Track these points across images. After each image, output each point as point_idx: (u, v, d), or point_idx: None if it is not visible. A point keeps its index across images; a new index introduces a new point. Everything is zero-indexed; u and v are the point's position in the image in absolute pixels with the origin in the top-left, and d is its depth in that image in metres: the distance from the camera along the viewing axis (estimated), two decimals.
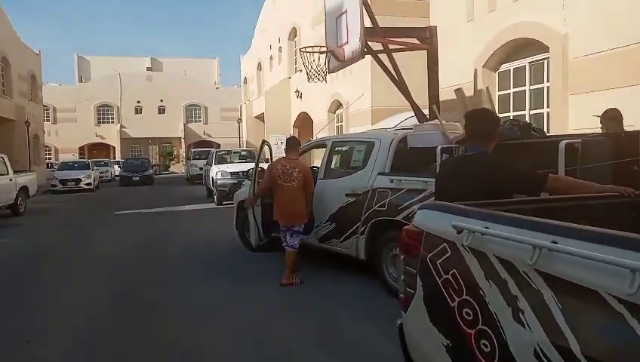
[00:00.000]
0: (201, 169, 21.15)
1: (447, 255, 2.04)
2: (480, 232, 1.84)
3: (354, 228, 5.51)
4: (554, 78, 7.42)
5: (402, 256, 2.45)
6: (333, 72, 8.63)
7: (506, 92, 8.83)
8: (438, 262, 2.09)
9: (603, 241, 1.45)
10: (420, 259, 2.23)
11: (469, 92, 8.47)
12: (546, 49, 7.54)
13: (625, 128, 5.15)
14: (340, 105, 17.32)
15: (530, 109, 8.30)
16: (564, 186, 2.89)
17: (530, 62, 8.23)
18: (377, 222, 5.26)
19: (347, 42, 7.81)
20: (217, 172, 14.74)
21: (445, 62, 8.80)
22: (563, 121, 7.13)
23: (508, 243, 1.69)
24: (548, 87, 7.75)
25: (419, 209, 2.43)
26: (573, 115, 7.07)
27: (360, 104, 14.86)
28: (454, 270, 1.98)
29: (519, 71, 8.53)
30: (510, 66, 8.69)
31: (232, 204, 7.99)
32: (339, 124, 17.55)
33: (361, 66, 13.28)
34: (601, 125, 5.33)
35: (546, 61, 7.79)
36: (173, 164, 46.76)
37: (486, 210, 2.01)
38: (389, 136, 5.68)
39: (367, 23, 7.65)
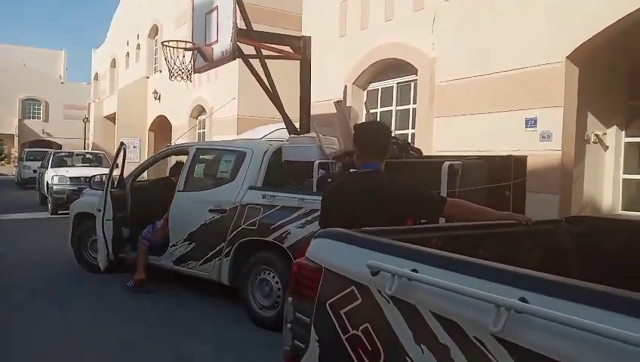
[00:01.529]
0: (35, 172, 18.38)
1: (357, 303, 1.55)
2: (408, 277, 1.38)
3: (217, 249, 4.84)
4: (421, 100, 7.59)
5: (290, 298, 1.91)
6: (199, 72, 7.87)
7: (373, 111, 8.88)
8: (342, 312, 1.59)
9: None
10: (316, 304, 1.72)
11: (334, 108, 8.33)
12: (415, 71, 7.69)
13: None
14: (203, 110, 16.36)
15: (396, 129, 8.42)
16: (462, 212, 2.62)
17: (397, 83, 8.37)
18: (245, 243, 4.67)
19: (217, 41, 7.14)
20: (54, 176, 12.77)
21: (318, 76, 8.60)
22: (428, 143, 7.28)
23: (454, 296, 1.25)
24: (414, 108, 7.91)
25: (315, 237, 1.91)
26: (437, 137, 7.25)
27: (225, 111, 14.13)
28: (367, 324, 1.50)
29: (387, 91, 8.64)
30: (378, 86, 8.78)
31: (69, 214, 6.72)
32: (201, 131, 16.55)
33: (229, 71, 12.63)
34: None
35: (413, 83, 7.96)
36: (2, 164, 40.65)
37: (416, 247, 1.56)
38: (262, 146, 5.14)
39: (241, 25, 7.09)
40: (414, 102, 7.91)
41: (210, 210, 4.91)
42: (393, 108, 8.52)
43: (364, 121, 6.18)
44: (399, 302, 1.40)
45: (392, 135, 4.92)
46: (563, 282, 1.18)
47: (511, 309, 1.12)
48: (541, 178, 5.47)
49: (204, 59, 7.47)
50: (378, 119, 8.76)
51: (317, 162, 4.60)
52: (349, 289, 1.58)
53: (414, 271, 1.38)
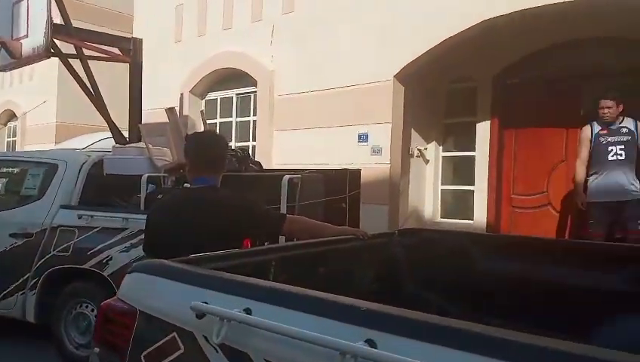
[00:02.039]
0: None
1: (179, 353, 1.28)
2: (239, 320, 1.15)
3: (21, 280, 4.06)
4: (260, 112, 7.49)
5: (96, 348, 1.54)
6: (3, 70, 6.74)
7: (212, 121, 8.53)
8: None
9: None
10: (128, 355, 1.40)
11: (164, 117, 7.84)
12: (254, 82, 7.57)
13: None
14: (13, 115, 14.20)
15: (236, 141, 8.19)
16: (301, 228, 2.49)
17: (237, 94, 8.17)
18: (57, 272, 3.99)
19: (27, 35, 6.19)
20: None
21: (152, 82, 7.96)
22: (268, 156, 7.20)
23: (294, 341, 1.05)
24: (254, 120, 7.78)
25: (129, 272, 1.58)
26: (277, 151, 7.20)
27: (41, 117, 12.47)
28: None
29: (226, 101, 8.38)
30: (217, 95, 8.47)
31: None
32: (11, 140, 14.35)
33: (47, 71, 11.19)
34: None
35: (252, 95, 7.83)
36: None
37: (251, 281, 1.34)
38: (78, 158, 4.48)
39: (58, 19, 6.25)
40: (254, 114, 7.78)
41: (10, 235, 4.11)
42: (233, 119, 8.28)
43: (197, 131, 5.79)
44: (230, 351, 1.16)
45: (231, 147, 4.68)
46: (415, 319, 1.06)
47: (357, 356, 0.97)
48: (373, 190, 5.72)
49: (10, 56, 6.41)
50: (217, 130, 8.45)
51: (145, 176, 4.15)
52: (169, 337, 1.30)
53: (248, 311, 1.17)
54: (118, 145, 5.07)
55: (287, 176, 3.63)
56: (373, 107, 6.18)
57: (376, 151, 6.20)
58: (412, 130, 6.53)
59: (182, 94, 8.39)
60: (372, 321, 1.06)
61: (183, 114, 8.50)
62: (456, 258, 2.62)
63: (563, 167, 5.95)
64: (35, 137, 12.57)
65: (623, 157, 4.50)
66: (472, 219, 6.43)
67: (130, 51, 6.89)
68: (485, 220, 6.28)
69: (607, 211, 4.56)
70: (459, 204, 6.83)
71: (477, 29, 5.44)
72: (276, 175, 3.86)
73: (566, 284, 2.25)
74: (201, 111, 6.95)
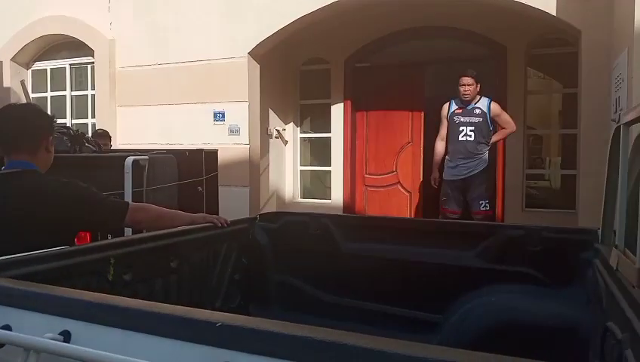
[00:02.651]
0: None
1: None
2: (52, 350, 0.85)
3: None
4: (100, 85, 6.67)
5: None
6: None
7: (42, 95, 7.42)
8: None
9: None
10: None
11: None
12: (92, 52, 6.70)
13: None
14: None
15: (72, 118, 7.23)
16: (149, 218, 2.16)
17: (71, 65, 7.18)
18: None
19: None
20: None
21: None
22: (112, 135, 6.45)
23: None
24: (93, 94, 6.91)
25: None
26: (122, 129, 6.50)
27: None
28: None
29: (59, 72, 7.32)
30: (47, 65, 7.36)
31: None
32: None
33: None
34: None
35: (90, 66, 6.94)
36: None
37: (71, 293, 1.02)
38: None
39: None
40: (93, 88, 6.91)
41: None
42: (68, 93, 7.28)
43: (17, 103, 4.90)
44: None
45: (58, 123, 4.02)
46: (279, 333, 0.85)
47: None
48: (232, 171, 5.46)
49: None
50: (49, 105, 7.37)
51: None
52: None
53: (66, 335, 0.86)
54: None
55: (131, 158, 3.20)
56: (228, 84, 5.87)
57: (234, 130, 5.92)
58: (269, 110, 6.36)
59: (1, 62, 7.12)
60: (230, 340, 0.84)
61: (5, 85, 7.28)
62: (320, 241, 2.52)
63: (409, 148, 6.31)
64: None
65: (471, 138, 4.64)
66: (330, 199, 6.53)
67: None
68: (342, 199, 6.41)
69: (455, 188, 4.74)
70: (317, 184, 6.89)
71: (328, 10, 5.42)
72: (118, 156, 3.39)
73: (426, 263, 2.27)
74: (22, 81, 5.96)
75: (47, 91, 7.38)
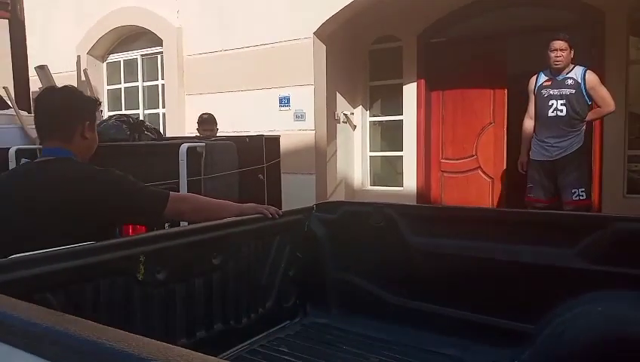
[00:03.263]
0: None
1: None
2: None
3: None
4: (169, 75, 6.71)
5: None
6: None
7: (116, 87, 7.63)
8: None
9: None
10: None
11: (71, 82, 6.86)
12: (160, 42, 6.74)
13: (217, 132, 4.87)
14: None
15: (144, 108, 7.37)
16: (193, 208, 1.94)
17: (142, 55, 7.29)
18: None
19: None
20: None
21: (42, 42, 6.93)
22: (180, 123, 6.49)
23: None
24: (163, 84, 6.98)
25: None
26: (190, 118, 6.49)
27: None
28: None
29: (131, 64, 7.47)
30: (120, 57, 7.54)
31: None
32: None
33: None
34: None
35: (159, 55, 7.00)
36: None
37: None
38: None
39: None
40: (163, 78, 6.97)
41: None
42: (139, 83, 7.41)
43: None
44: None
45: (114, 115, 3.97)
46: None
47: None
48: (298, 159, 5.26)
49: None
50: (122, 96, 7.56)
51: (14, 149, 3.39)
52: None
53: None
54: None
55: (186, 144, 3.04)
56: (293, 67, 5.63)
57: (300, 116, 5.69)
58: (337, 93, 6.06)
59: (78, 56, 7.36)
60: None
61: (82, 79, 7.52)
62: (384, 235, 2.19)
63: (491, 130, 5.76)
64: None
65: (563, 113, 4.00)
66: (402, 186, 6.14)
67: (7, 5, 5.87)
68: (415, 186, 6.00)
69: (544, 173, 4.13)
70: (388, 170, 6.52)
71: None
72: (173, 143, 3.26)
73: (513, 263, 1.88)
74: (85, 70, 6.06)
75: (120, 83, 7.56)
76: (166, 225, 2.54)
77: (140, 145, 3.37)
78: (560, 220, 1.98)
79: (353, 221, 2.30)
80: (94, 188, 1.71)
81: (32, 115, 2.89)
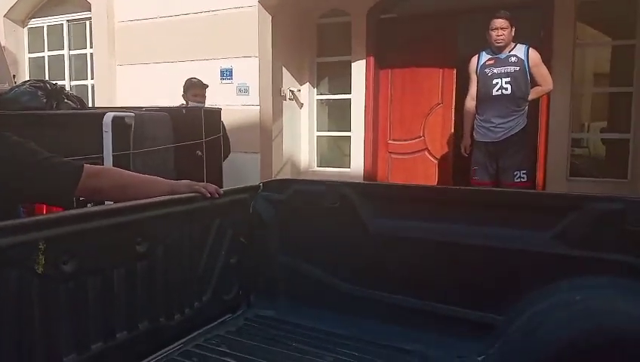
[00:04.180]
0: None
1: None
2: None
3: None
4: (98, 43, 6.11)
5: None
6: None
7: (39, 55, 6.91)
8: None
9: None
10: None
11: None
12: (88, 6, 6.12)
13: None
14: None
15: (71, 80, 6.72)
16: (113, 185, 1.61)
17: (68, 21, 6.61)
18: None
19: None
20: None
21: None
22: (111, 97, 5.95)
23: None
24: (91, 53, 6.36)
25: None
26: (122, 90, 5.97)
27: None
28: None
29: (55, 30, 6.77)
30: (43, 22, 6.81)
31: None
32: None
33: None
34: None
35: (88, 22, 6.37)
36: None
37: None
38: None
39: None
40: (91, 46, 6.35)
41: None
42: (65, 52, 6.74)
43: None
44: None
45: (27, 81, 3.49)
46: None
47: None
48: (241, 136, 4.92)
49: None
50: (46, 66, 6.86)
51: None
52: None
53: None
54: None
55: (111, 114, 2.65)
56: (236, 38, 5.25)
57: (243, 90, 5.33)
58: (283, 68, 5.74)
59: None
60: None
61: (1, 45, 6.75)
62: (340, 216, 1.96)
63: (439, 111, 5.65)
64: None
65: (508, 92, 3.90)
66: (350, 167, 5.95)
67: None
68: (363, 168, 5.82)
69: (488, 154, 4.06)
70: (335, 151, 6.30)
71: None
72: (97, 113, 2.86)
73: (481, 246, 1.70)
74: None
75: (44, 51, 6.85)
76: (88, 205, 2.19)
77: (58, 115, 2.93)
78: (535, 200, 1.82)
79: (305, 201, 2.05)
80: (11, 158, 1.35)
81: None
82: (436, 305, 1.76)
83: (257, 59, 5.23)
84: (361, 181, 5.59)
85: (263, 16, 5.22)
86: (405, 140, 5.83)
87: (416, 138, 5.76)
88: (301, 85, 6.10)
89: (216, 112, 3.74)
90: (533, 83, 4.03)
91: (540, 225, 1.63)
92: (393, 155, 5.90)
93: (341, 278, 1.93)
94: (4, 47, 6.59)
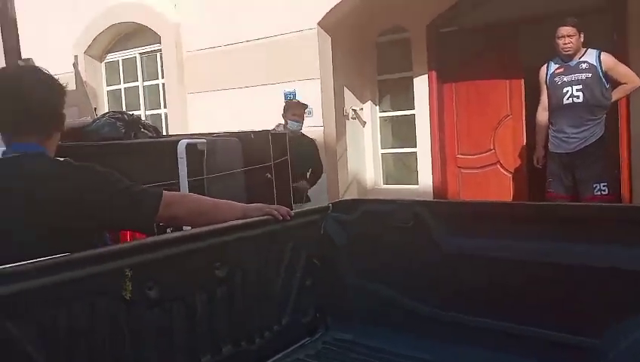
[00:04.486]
0: None
1: None
2: None
3: None
4: (168, 73, 6.44)
5: None
6: None
7: (116, 87, 7.37)
8: None
9: None
10: None
11: (70, 84, 6.59)
12: (158, 39, 6.47)
13: None
14: None
15: (146, 109, 7.10)
16: (189, 211, 1.65)
17: (141, 54, 7.02)
18: None
19: None
20: None
21: (39, 43, 6.68)
22: (182, 124, 6.23)
23: None
24: (163, 83, 6.71)
25: None
26: (192, 117, 6.23)
27: None
28: None
29: (129, 63, 7.21)
30: (119, 57, 7.27)
31: None
32: None
33: None
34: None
35: (158, 53, 6.73)
36: None
37: None
38: None
39: None
40: (163, 77, 6.70)
41: None
42: (140, 83, 7.15)
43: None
44: None
45: (107, 112, 3.71)
46: None
47: None
48: None
49: None
50: (123, 97, 7.30)
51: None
52: None
53: None
54: None
55: (184, 141, 2.76)
56: (298, 61, 5.36)
57: (306, 112, 5.40)
58: (344, 87, 5.78)
59: (76, 56, 7.11)
60: None
61: (83, 80, 7.27)
62: (412, 236, 1.90)
63: (509, 122, 5.45)
64: None
65: (580, 100, 3.76)
66: (418, 184, 5.84)
67: None
68: (431, 184, 5.70)
69: (562, 165, 3.90)
70: (401, 168, 6.22)
71: None
72: (171, 140, 2.98)
73: (571, 266, 1.59)
74: (74, 64, 5.79)
75: (120, 83, 7.30)
76: (168, 230, 2.28)
77: (136, 144, 3.09)
78: (622, 214, 1.68)
79: (375, 221, 2.02)
80: (68, 186, 1.43)
81: None
82: (520, 327, 1.65)
83: (319, 80, 5.30)
84: (431, 197, 5.48)
85: (322, 37, 5.31)
86: (475, 154, 5.66)
87: (486, 151, 5.58)
88: (363, 104, 6.10)
89: (283, 136, 3.79)
90: (615, 86, 3.84)
91: (633, 242, 1.50)
92: (463, 170, 5.74)
93: (418, 300, 1.87)
94: (85, 82, 7.10)
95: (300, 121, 4.46)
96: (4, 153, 1.55)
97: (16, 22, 5.76)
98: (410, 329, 1.83)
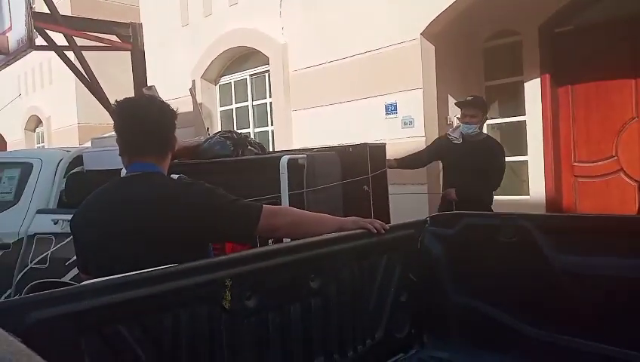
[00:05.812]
0: None
1: None
2: None
3: (2, 298, 3.53)
4: (276, 92, 6.74)
5: None
6: None
7: (228, 107, 7.89)
8: None
9: None
10: None
11: (186, 107, 7.20)
12: (266, 60, 6.83)
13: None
14: (39, 121, 14.11)
15: (254, 127, 7.51)
16: (289, 223, 1.72)
17: (251, 75, 7.45)
18: (37, 287, 3.42)
19: (10, 28, 5.67)
20: None
21: (161, 71, 7.43)
22: (287, 140, 6.47)
23: None
24: (270, 102, 7.05)
25: None
26: (297, 133, 6.46)
27: (65, 120, 12.33)
28: None
29: (240, 84, 7.68)
30: (231, 79, 7.78)
31: None
32: (40, 145, 14.27)
33: (64, 73, 10.87)
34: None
35: (267, 74, 7.09)
36: None
37: None
38: (54, 154, 3.89)
39: (42, 8, 5.73)
40: (270, 96, 7.04)
41: None
42: (249, 103, 7.58)
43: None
44: None
45: (218, 132, 3.96)
46: None
47: None
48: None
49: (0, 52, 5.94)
50: (234, 117, 7.78)
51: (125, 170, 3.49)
52: None
53: None
54: (96, 136, 4.45)
55: (286, 157, 2.87)
56: (399, 72, 5.32)
57: (408, 123, 5.35)
58: (448, 96, 5.62)
59: (193, 81, 7.75)
60: None
61: (199, 102, 7.89)
62: (518, 253, 1.80)
63: (635, 126, 4.93)
64: (60, 140, 12.35)
65: None
66: (529, 195, 5.48)
67: (129, 38, 6.35)
68: (544, 195, 5.32)
69: None
70: (511, 177, 5.88)
71: None
72: (273, 156, 3.12)
73: None
74: (190, 89, 6.26)
75: (232, 103, 7.80)
76: (269, 241, 2.39)
77: (242, 160, 3.28)
78: None
79: (476, 236, 1.94)
80: (190, 201, 1.56)
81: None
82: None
83: (422, 90, 5.22)
84: (544, 209, 5.12)
85: (425, 47, 5.23)
86: (594, 162, 5.19)
87: (607, 158, 5.08)
88: None
89: (381, 148, 3.79)
90: None
91: None
92: (580, 179, 5.28)
93: (523, 320, 1.76)
94: (200, 103, 7.69)
95: (475, 122, 4.07)
96: (127, 172, 1.75)
97: (144, 54, 6.45)
98: (512, 350, 1.72)
